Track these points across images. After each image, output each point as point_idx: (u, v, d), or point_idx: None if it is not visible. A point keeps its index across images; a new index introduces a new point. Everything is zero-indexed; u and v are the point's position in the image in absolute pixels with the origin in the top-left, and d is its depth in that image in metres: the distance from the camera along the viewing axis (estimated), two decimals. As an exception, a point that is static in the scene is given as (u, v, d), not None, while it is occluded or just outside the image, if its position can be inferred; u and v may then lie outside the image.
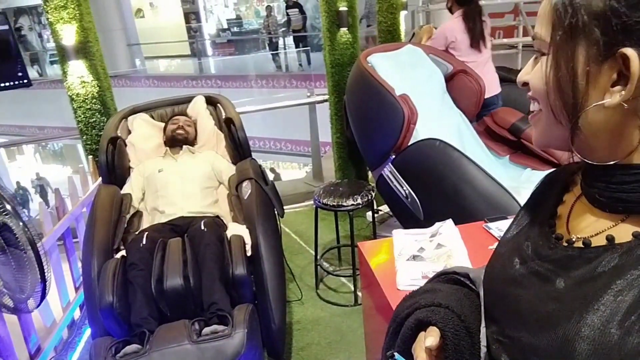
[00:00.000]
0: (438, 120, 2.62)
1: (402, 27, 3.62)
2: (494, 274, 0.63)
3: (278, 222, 2.26)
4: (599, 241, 0.50)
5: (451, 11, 2.97)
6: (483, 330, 0.61)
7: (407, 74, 2.70)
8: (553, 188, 0.63)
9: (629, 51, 0.44)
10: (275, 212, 2.28)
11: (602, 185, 0.51)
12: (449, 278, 0.73)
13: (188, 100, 2.79)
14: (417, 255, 1.43)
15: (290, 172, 11.41)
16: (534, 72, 0.54)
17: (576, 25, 0.47)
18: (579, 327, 0.45)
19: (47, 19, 2.83)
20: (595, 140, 0.50)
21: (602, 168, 0.51)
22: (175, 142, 2.50)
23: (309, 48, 10.05)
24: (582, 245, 0.51)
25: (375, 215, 2.74)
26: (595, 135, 0.50)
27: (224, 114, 2.71)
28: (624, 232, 0.49)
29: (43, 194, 9.61)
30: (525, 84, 0.56)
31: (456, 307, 0.62)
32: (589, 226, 0.53)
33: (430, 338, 0.60)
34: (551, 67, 0.50)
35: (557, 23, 0.49)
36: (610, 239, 0.49)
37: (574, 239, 0.53)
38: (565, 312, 0.47)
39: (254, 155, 2.61)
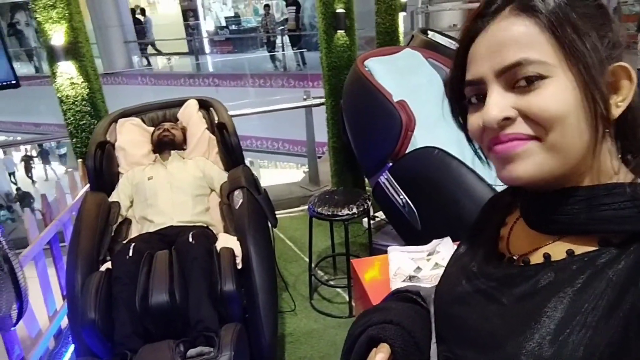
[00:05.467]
0: (437, 127, 2.54)
1: (401, 29, 3.55)
2: (442, 292, 0.64)
3: (270, 233, 2.18)
4: (537, 259, 0.52)
5: None
6: (434, 346, 0.61)
7: (405, 79, 2.63)
8: (496, 210, 0.65)
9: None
10: (268, 223, 2.21)
11: (539, 210, 0.53)
12: (402, 296, 0.75)
13: (180, 103, 2.71)
14: (414, 276, 1.36)
15: (287, 172, 11.32)
16: (545, 98, 0.46)
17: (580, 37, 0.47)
18: (522, 343, 0.46)
19: (35, 18, 2.75)
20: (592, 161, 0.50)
21: (542, 194, 0.52)
22: (163, 145, 2.42)
23: (304, 50, 9.94)
24: (522, 264, 0.53)
25: (372, 221, 2.67)
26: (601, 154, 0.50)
27: (216, 118, 2.63)
28: (559, 250, 0.50)
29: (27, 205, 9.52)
30: (508, 118, 0.48)
31: (407, 324, 0.64)
32: (527, 245, 0.55)
33: (380, 354, 0.61)
34: (570, 86, 0.46)
35: (559, 39, 0.47)
36: (547, 256, 0.51)
37: (515, 258, 0.55)
38: (509, 329, 0.49)
39: (250, 155, 2.55)
